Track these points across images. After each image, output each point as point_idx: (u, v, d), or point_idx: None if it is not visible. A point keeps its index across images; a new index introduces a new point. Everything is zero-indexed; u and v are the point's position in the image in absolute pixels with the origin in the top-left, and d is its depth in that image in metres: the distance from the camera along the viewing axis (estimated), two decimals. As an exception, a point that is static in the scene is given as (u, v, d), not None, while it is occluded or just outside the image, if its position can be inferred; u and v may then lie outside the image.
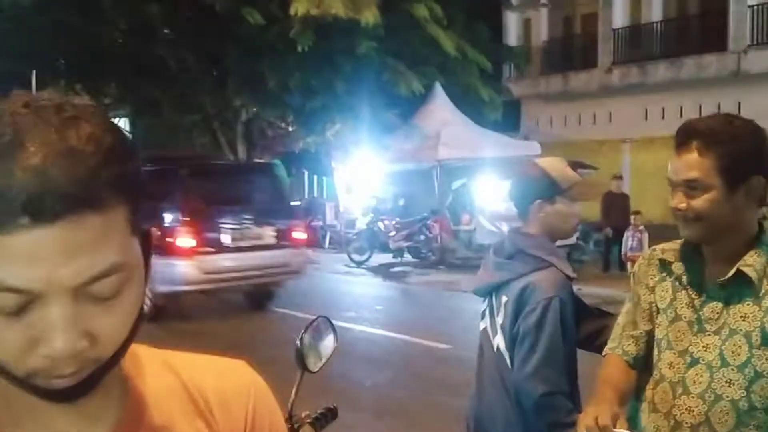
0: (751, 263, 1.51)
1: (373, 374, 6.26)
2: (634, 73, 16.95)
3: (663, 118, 15.48)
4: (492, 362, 2.35)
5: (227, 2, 13.67)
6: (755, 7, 15.15)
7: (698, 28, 16.63)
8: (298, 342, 1.47)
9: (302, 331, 1.49)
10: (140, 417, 0.79)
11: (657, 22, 17.26)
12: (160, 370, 0.85)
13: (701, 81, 15.15)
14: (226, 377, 0.88)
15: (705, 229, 1.51)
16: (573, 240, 10.26)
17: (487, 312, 2.38)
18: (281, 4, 13.46)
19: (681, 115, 15.47)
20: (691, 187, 1.49)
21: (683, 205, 1.50)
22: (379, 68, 14.64)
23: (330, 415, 1.56)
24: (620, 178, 12.46)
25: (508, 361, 2.26)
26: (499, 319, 2.30)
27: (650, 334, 1.67)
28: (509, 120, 17.69)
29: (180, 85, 15.92)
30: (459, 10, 15.53)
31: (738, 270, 1.51)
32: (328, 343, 1.58)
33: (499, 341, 2.31)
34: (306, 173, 20.85)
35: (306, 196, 18.93)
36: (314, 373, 1.50)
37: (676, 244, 1.66)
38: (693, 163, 1.49)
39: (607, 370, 1.73)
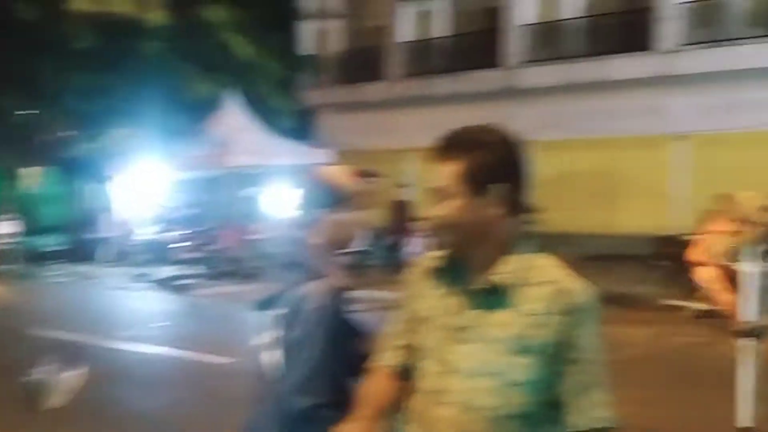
0: (500, 271, 1.51)
1: (153, 396, 5.90)
2: (419, 86, 17.78)
3: (445, 129, 16.36)
4: (270, 375, 2.33)
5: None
6: (526, 27, 16.56)
7: (474, 45, 17.82)
8: (26, 378, 1.25)
9: (36, 365, 1.29)
10: None
11: (440, 38, 18.28)
12: None
13: (479, 95, 16.24)
14: None
15: (454, 236, 1.52)
16: (362, 246, 10.48)
17: (268, 325, 2.34)
18: (58, -1, 12.52)
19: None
20: (440, 195, 1.50)
21: (432, 213, 1.51)
22: (168, 72, 14.08)
23: None
24: (404, 186, 12.95)
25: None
26: (278, 332, 2.27)
27: (415, 344, 1.65)
28: (305, 128, 17.80)
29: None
30: (253, 18, 15.37)
31: (489, 278, 1.52)
32: (73, 373, 1.43)
33: (277, 354, 2.28)
34: (81, 182, 19.33)
35: (82, 207, 17.44)
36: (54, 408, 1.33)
37: (441, 252, 1.64)
38: (442, 172, 1.50)
39: (370, 383, 1.71)
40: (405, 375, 1.66)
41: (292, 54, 18.33)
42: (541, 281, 1.51)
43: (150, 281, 12.17)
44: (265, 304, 2.37)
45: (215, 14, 13.94)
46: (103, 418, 4.49)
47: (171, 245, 13.26)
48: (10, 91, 13.98)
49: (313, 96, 19.17)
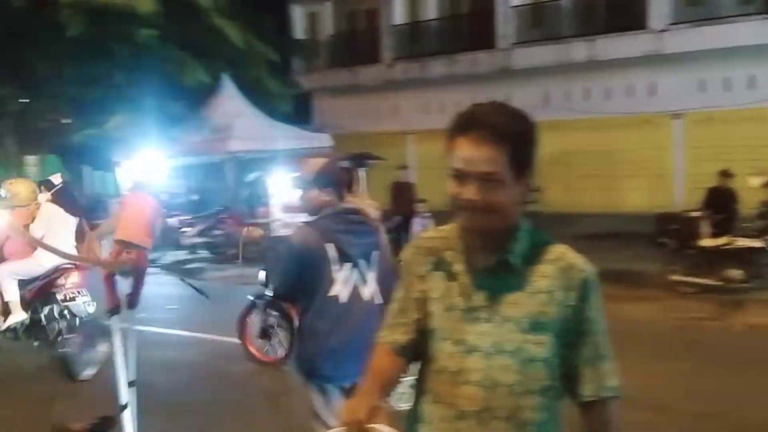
0: (512, 250, 1.54)
1: (167, 376, 6.04)
2: (414, 69, 17.86)
3: (442, 111, 16.50)
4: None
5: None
6: (519, 8, 16.66)
7: (468, 27, 17.90)
8: (62, 350, 1.39)
9: (69, 338, 1.42)
10: None
11: (432, 20, 18.34)
12: None
13: (474, 76, 16.36)
14: None
15: (493, 221, 1.52)
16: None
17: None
18: (49, -14, 12.44)
19: (457, 109, 16.61)
20: (487, 180, 1.47)
21: (477, 197, 1.48)
22: (163, 58, 14.06)
23: (105, 424, 1.49)
24: (406, 168, 13.10)
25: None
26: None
27: (421, 323, 1.66)
28: (301, 112, 17.87)
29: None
30: (242, 2, 15.33)
31: (502, 257, 1.54)
32: (100, 348, 1.53)
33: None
34: (86, 169, 19.42)
35: (88, 193, 17.58)
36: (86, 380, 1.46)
37: (442, 232, 1.67)
38: (489, 157, 1.47)
39: (374, 359, 1.73)
40: (408, 353, 1.69)
41: (284, 38, 18.32)
42: (548, 259, 1.56)
43: (160, 266, 12.27)
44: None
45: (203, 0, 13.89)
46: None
47: (178, 230, 13.34)
48: (5, 80, 13.94)
49: (308, 80, 19.23)
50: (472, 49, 16.99)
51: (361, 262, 3.14)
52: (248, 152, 13.69)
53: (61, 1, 12.21)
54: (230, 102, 14.64)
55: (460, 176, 1.51)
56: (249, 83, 15.22)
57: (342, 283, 3.10)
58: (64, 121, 16.66)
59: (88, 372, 5.33)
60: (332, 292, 3.08)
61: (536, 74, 15.96)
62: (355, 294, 3.11)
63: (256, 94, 15.25)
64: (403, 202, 11.84)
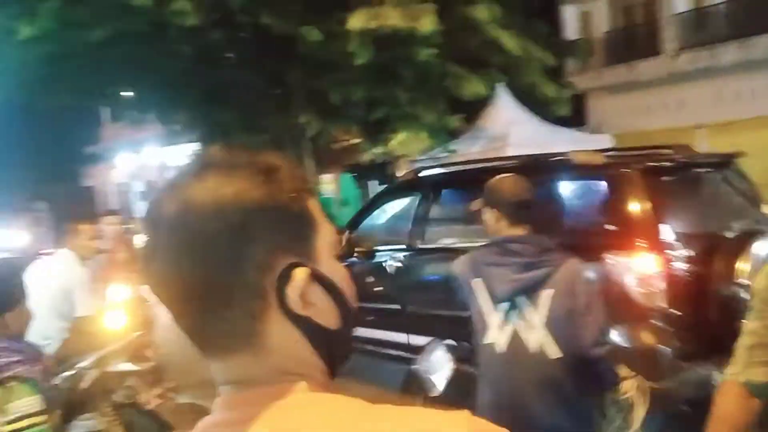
0: None
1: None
2: (702, 57, 16.44)
3: (737, 101, 14.98)
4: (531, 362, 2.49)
5: (285, 22, 13.85)
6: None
7: (757, 8, 16.02)
8: (415, 368, 1.44)
9: (419, 356, 1.46)
10: None
11: (721, 3, 16.73)
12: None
13: (769, 61, 14.60)
14: None
15: None
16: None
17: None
18: (339, 20, 13.57)
19: (755, 97, 14.95)
20: None
21: None
22: (441, 75, 14.60)
23: None
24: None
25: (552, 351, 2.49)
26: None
27: None
28: (576, 114, 17.40)
29: (246, 107, 16.25)
30: (516, 9, 15.37)
31: None
32: (443, 362, 1.53)
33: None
34: (371, 184, 20.98)
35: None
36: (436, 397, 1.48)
37: None
38: None
39: (724, 402, 1.58)
40: (762, 393, 1.51)
41: (558, 40, 18.00)
42: None
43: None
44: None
45: (481, 12, 14.11)
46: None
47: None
48: (305, 109, 15.55)
49: (582, 80, 18.69)
50: (764, 32, 15.19)
51: (522, 302, 2.51)
52: (527, 159, 13.63)
53: (350, 33, 13.22)
54: (506, 110, 14.75)
55: None
56: (524, 89, 15.20)
57: (497, 328, 2.54)
58: (353, 141, 18.13)
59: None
60: (487, 339, 2.56)
61: None
62: (515, 342, 2.52)
63: (531, 99, 15.18)
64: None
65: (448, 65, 14.48)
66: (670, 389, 4.31)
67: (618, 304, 4.41)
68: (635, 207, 4.82)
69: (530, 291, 2.50)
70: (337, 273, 0.91)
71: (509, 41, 14.27)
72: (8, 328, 2.66)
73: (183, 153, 25.71)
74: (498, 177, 2.84)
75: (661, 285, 4.50)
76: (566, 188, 5.70)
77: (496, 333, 2.53)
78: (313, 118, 15.94)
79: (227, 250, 0.81)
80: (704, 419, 1.66)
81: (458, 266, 2.73)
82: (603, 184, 5.17)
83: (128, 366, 4.37)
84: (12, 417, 2.47)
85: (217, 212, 0.82)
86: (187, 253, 0.81)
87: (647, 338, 4.58)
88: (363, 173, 18.45)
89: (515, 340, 2.51)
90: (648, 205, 4.77)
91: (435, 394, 1.49)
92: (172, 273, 0.82)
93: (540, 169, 5.86)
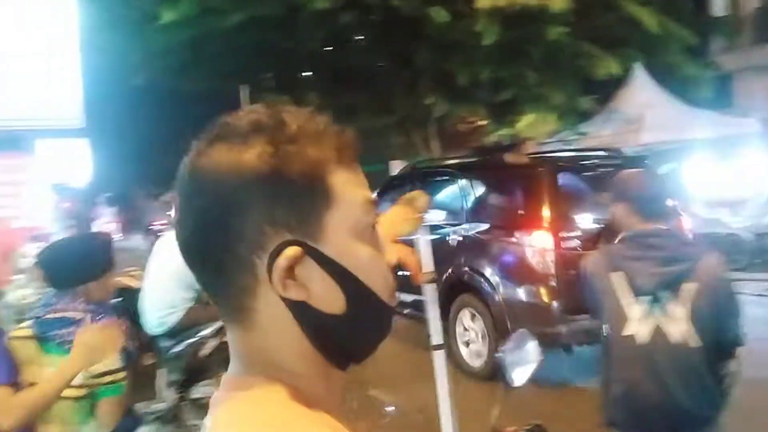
0: None
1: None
2: None
3: None
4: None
5: (413, 3, 13.84)
6: None
7: None
8: (499, 355, 1.37)
9: (503, 344, 1.40)
10: None
11: None
12: None
13: None
14: None
15: None
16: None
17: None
18: (466, -1, 13.39)
19: None
20: None
21: None
22: (572, 54, 14.08)
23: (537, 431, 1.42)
24: None
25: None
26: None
27: None
28: (721, 96, 16.27)
29: (373, 88, 16.45)
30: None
31: None
32: (530, 356, 1.48)
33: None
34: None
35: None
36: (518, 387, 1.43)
37: None
38: None
39: None
40: None
41: (702, 17, 16.86)
42: None
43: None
44: None
45: (619, -12, 13.46)
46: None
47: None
48: (433, 90, 15.51)
49: (729, 60, 17.43)
50: None
51: (664, 295, 2.56)
52: (662, 143, 12.93)
53: (478, 12, 13.01)
54: (642, 91, 14.01)
55: None
56: (663, 70, 14.37)
57: (638, 320, 2.59)
58: (480, 123, 17.92)
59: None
60: (626, 331, 2.61)
61: None
62: (658, 334, 2.58)
63: (671, 80, 14.32)
64: None
65: (580, 44, 13.93)
66: (560, 334, 6.25)
67: (523, 270, 6.57)
68: (539, 198, 6.63)
69: (673, 285, 2.57)
70: (356, 256, 0.82)
71: (648, 18, 13.51)
72: (91, 295, 2.86)
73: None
74: (628, 171, 2.95)
75: (552, 257, 6.33)
76: (500, 182, 7.44)
77: (636, 325, 2.59)
78: (440, 100, 15.86)
79: (217, 222, 0.79)
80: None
81: (591, 262, 2.80)
82: (523, 180, 7.00)
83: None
84: (94, 373, 2.67)
85: (212, 182, 0.80)
86: (186, 220, 0.82)
87: (542, 295, 6.44)
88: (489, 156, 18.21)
89: (657, 331, 2.58)
90: (548, 197, 6.58)
91: (516, 386, 1.44)
92: (179, 238, 0.84)
93: (480, 167, 8.26)
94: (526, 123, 15.50)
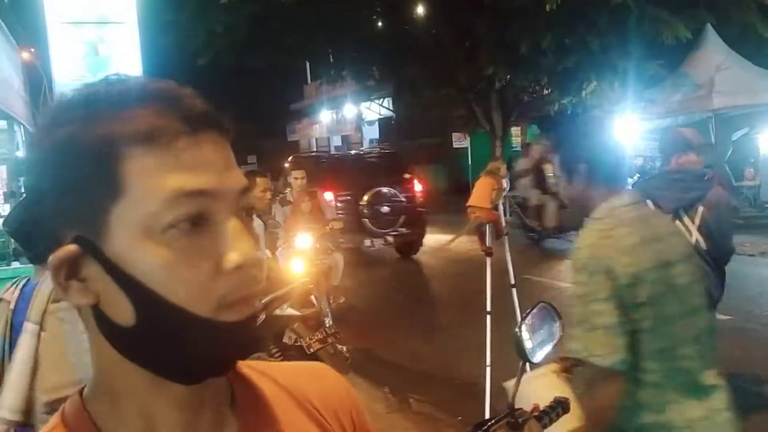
0: None
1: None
2: None
3: None
4: None
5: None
6: None
7: None
8: (516, 330, 1.37)
9: (521, 319, 1.40)
10: (257, 426, 0.78)
11: None
12: (258, 377, 0.84)
13: None
14: (322, 382, 0.89)
15: None
16: None
17: None
18: (529, -36, 13.09)
19: None
20: None
21: None
22: (639, 18, 13.60)
23: (560, 408, 1.41)
24: None
25: None
26: None
27: None
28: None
29: (434, 60, 16.34)
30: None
31: None
32: (552, 331, 1.44)
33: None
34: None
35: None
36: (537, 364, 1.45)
37: None
38: None
39: (607, 392, 1.72)
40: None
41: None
42: None
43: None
44: None
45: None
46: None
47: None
48: (493, 60, 15.28)
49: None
50: None
51: (681, 214, 3.60)
52: (734, 108, 12.43)
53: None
54: (713, 55, 13.45)
55: None
56: (736, 32, 13.74)
57: None
58: (543, 92, 17.58)
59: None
60: None
61: None
62: None
63: (744, 42, 13.69)
64: None
65: (646, 7, 13.45)
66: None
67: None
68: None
69: (690, 205, 3.63)
70: (146, 260, 0.65)
71: (721, -22, 12.94)
72: None
73: (376, 108, 26.54)
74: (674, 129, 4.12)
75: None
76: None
77: None
78: (501, 69, 15.64)
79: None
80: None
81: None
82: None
83: (293, 311, 4.61)
84: None
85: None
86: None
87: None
88: (552, 125, 17.83)
89: None
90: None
91: (535, 362, 1.43)
92: None
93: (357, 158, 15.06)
94: (591, 91, 15.13)
